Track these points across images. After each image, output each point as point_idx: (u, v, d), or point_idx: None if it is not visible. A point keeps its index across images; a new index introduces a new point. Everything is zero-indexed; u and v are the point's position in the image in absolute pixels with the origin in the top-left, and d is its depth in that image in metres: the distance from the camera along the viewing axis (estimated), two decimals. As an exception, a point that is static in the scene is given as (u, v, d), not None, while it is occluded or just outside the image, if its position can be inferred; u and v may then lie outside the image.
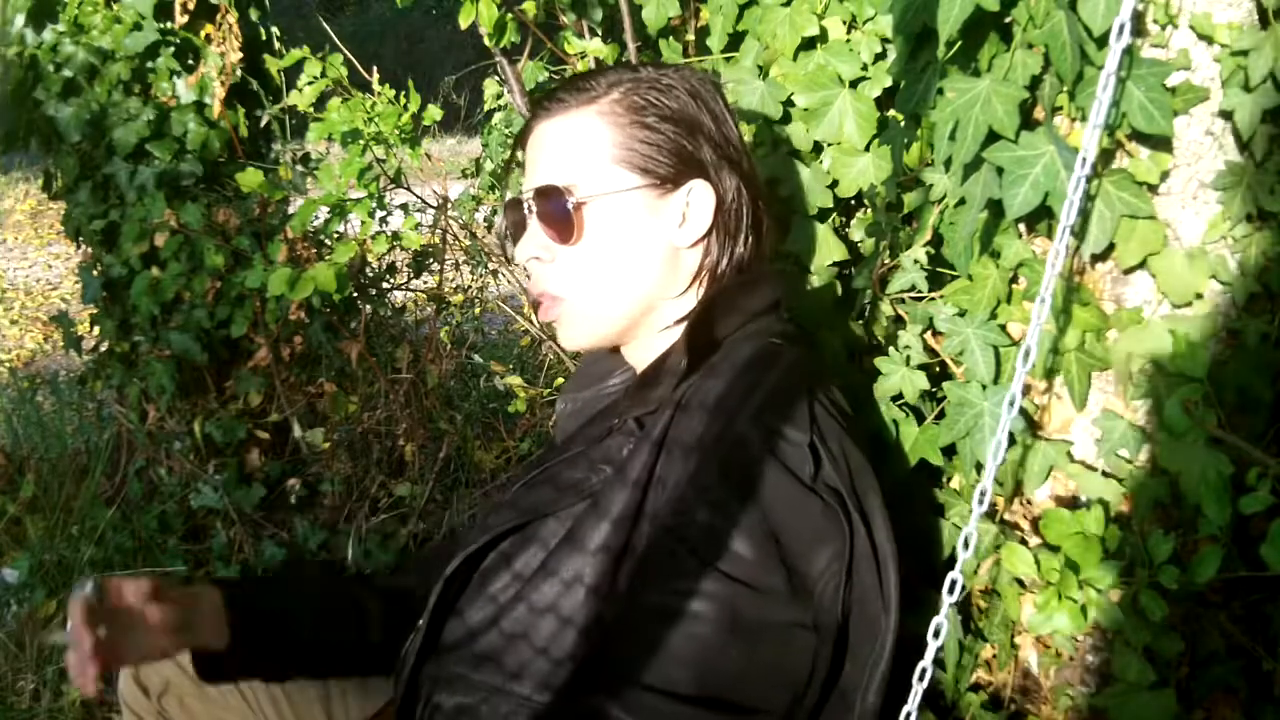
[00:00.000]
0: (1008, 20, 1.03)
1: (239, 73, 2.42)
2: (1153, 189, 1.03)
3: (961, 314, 1.16)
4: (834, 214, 1.35)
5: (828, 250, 1.34)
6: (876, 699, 0.91)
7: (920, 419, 1.24)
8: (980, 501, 0.87)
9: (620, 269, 1.03)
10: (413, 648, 1.04)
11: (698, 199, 1.02)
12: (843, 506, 0.91)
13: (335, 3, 13.22)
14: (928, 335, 1.23)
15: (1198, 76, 1.00)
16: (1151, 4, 0.99)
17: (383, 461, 2.60)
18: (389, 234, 2.28)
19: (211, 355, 2.49)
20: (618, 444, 1.01)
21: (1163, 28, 1.00)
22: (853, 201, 1.37)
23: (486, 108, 2.98)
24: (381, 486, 2.54)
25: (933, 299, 1.22)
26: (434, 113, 2.23)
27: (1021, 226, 1.12)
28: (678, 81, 1.03)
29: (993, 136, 1.00)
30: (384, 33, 12.25)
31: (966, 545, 0.87)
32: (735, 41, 1.44)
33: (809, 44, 1.32)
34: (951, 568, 0.87)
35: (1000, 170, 1.00)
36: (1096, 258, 1.06)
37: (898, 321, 1.30)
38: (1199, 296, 1.03)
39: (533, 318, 2.51)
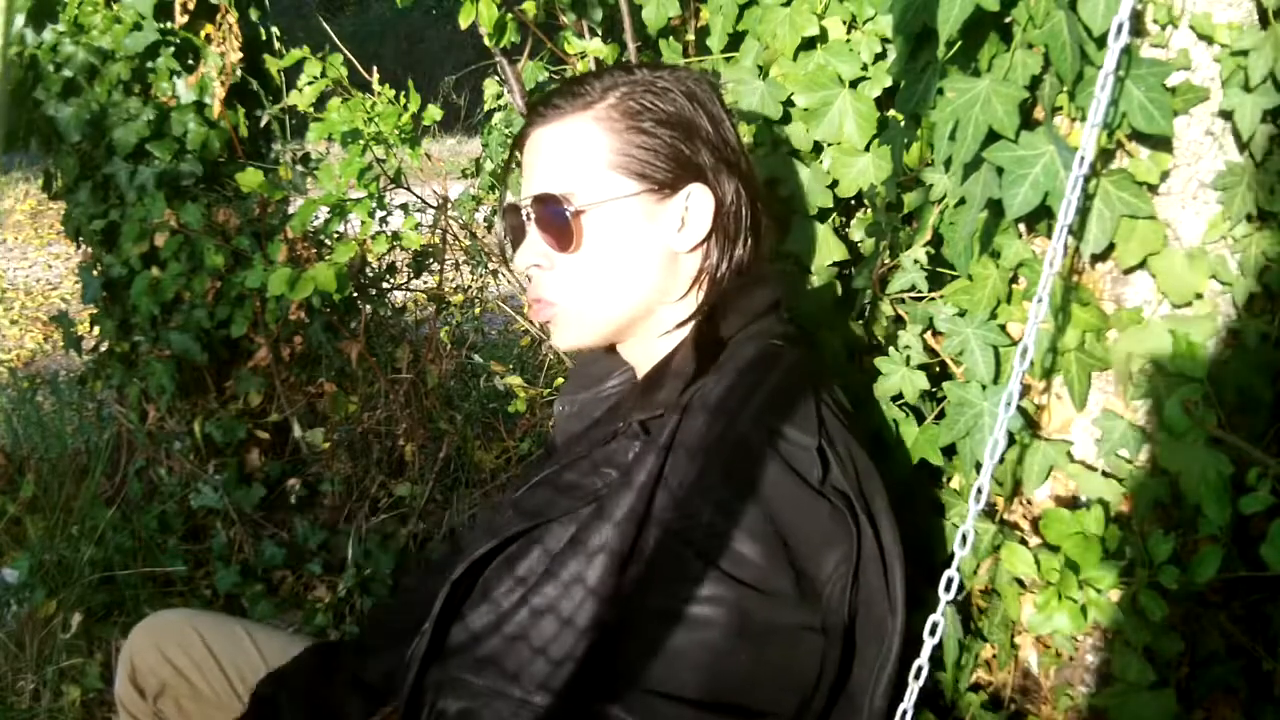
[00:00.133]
0: (1008, 20, 1.03)
1: (239, 73, 2.42)
2: (1153, 189, 1.03)
3: (961, 314, 1.16)
4: (834, 214, 1.35)
5: (828, 250, 1.34)
6: (884, 701, 0.91)
7: (920, 419, 1.24)
8: (977, 499, 0.87)
9: (619, 275, 1.02)
10: (417, 653, 1.04)
11: (696, 203, 1.02)
12: (850, 509, 0.91)
13: (335, 3, 13.22)
14: (928, 335, 1.23)
15: (1198, 76, 1.00)
16: (1151, 4, 0.99)
17: (383, 461, 2.60)
18: (389, 234, 2.28)
19: (211, 355, 2.49)
20: (623, 447, 1.00)
21: (1163, 27, 1.00)
22: (853, 201, 1.37)
23: (486, 108, 2.98)
24: (381, 486, 2.54)
25: (933, 299, 1.22)
26: (434, 113, 2.23)
27: (1021, 226, 1.12)
28: (674, 84, 1.02)
29: (993, 136, 1.00)
30: (384, 33, 12.25)
31: (964, 543, 0.87)
32: (735, 41, 1.44)
33: (809, 44, 1.32)
34: (948, 567, 0.87)
35: (1000, 170, 1.00)
36: (1096, 258, 1.06)
37: (898, 321, 1.29)
38: (1199, 296, 1.03)
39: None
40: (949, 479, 1.26)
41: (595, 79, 1.02)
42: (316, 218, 2.22)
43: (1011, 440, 1.13)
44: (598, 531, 0.95)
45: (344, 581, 2.24)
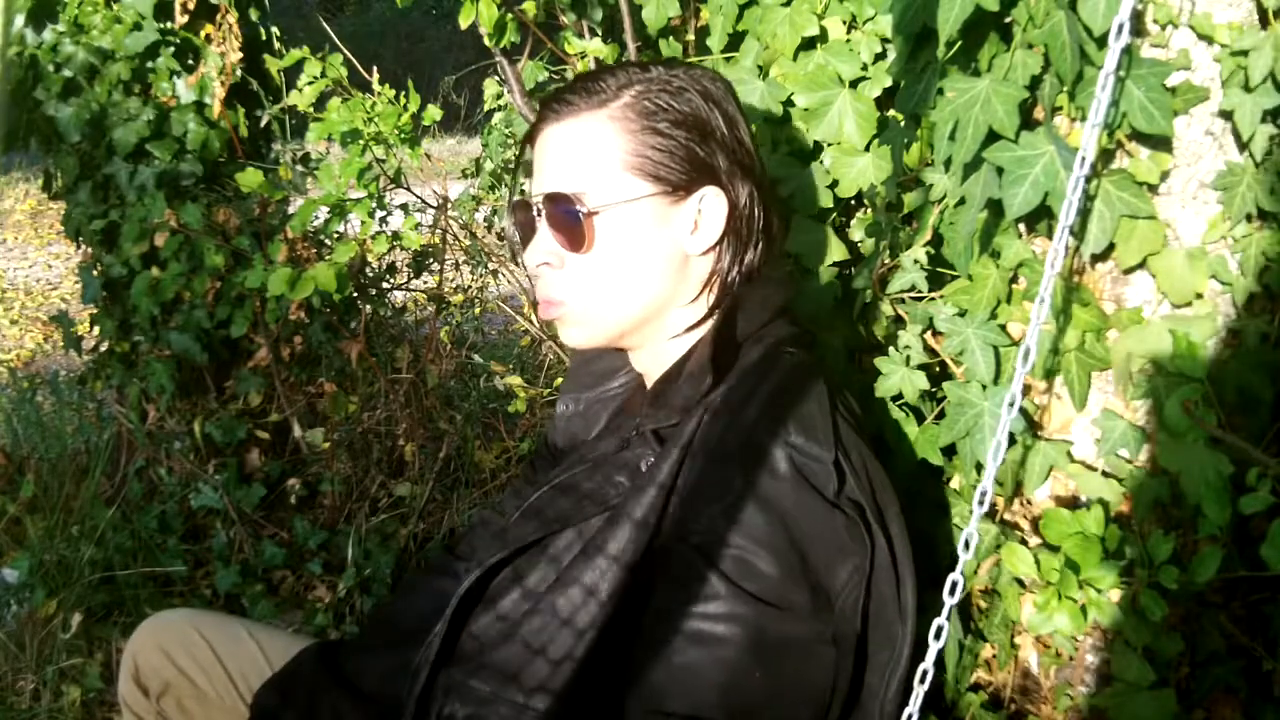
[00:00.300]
0: (1008, 20, 1.03)
1: (239, 73, 2.42)
2: (1153, 189, 1.03)
3: (961, 314, 1.16)
4: (834, 214, 1.35)
5: (828, 250, 1.34)
6: (893, 706, 0.91)
7: (920, 419, 1.24)
8: (981, 503, 0.87)
9: (629, 277, 1.01)
10: (426, 658, 1.04)
11: (710, 206, 1.01)
12: (864, 520, 0.91)
13: (335, 3, 13.22)
14: (928, 335, 1.23)
15: (1198, 76, 1.00)
16: (1151, 4, 0.99)
17: (383, 461, 2.60)
18: (389, 234, 2.28)
19: (211, 355, 2.49)
20: (635, 455, 0.99)
21: (1163, 28, 1.00)
22: (853, 201, 1.37)
23: (486, 108, 2.98)
24: (381, 486, 2.54)
25: (933, 299, 1.22)
26: (434, 113, 2.23)
27: (1021, 226, 1.12)
28: (689, 83, 1.01)
29: (993, 136, 1.00)
30: (384, 33, 12.25)
31: (967, 546, 0.87)
32: (735, 41, 1.44)
33: (809, 44, 1.32)
34: (952, 568, 0.87)
35: (1000, 170, 1.00)
36: (1096, 258, 1.06)
37: (898, 321, 1.29)
38: (1199, 296, 1.03)
39: (533, 318, 2.51)
40: (949, 479, 1.26)
41: (610, 76, 1.01)
42: (316, 218, 2.22)
43: (1012, 440, 1.13)
44: (612, 539, 0.95)
45: (344, 581, 2.24)
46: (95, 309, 2.57)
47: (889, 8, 1.16)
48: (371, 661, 1.19)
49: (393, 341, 2.76)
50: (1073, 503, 1.13)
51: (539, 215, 1.02)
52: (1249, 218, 1.01)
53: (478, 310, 3.18)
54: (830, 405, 0.96)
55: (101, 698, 1.97)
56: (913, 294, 1.24)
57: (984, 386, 1.13)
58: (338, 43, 2.28)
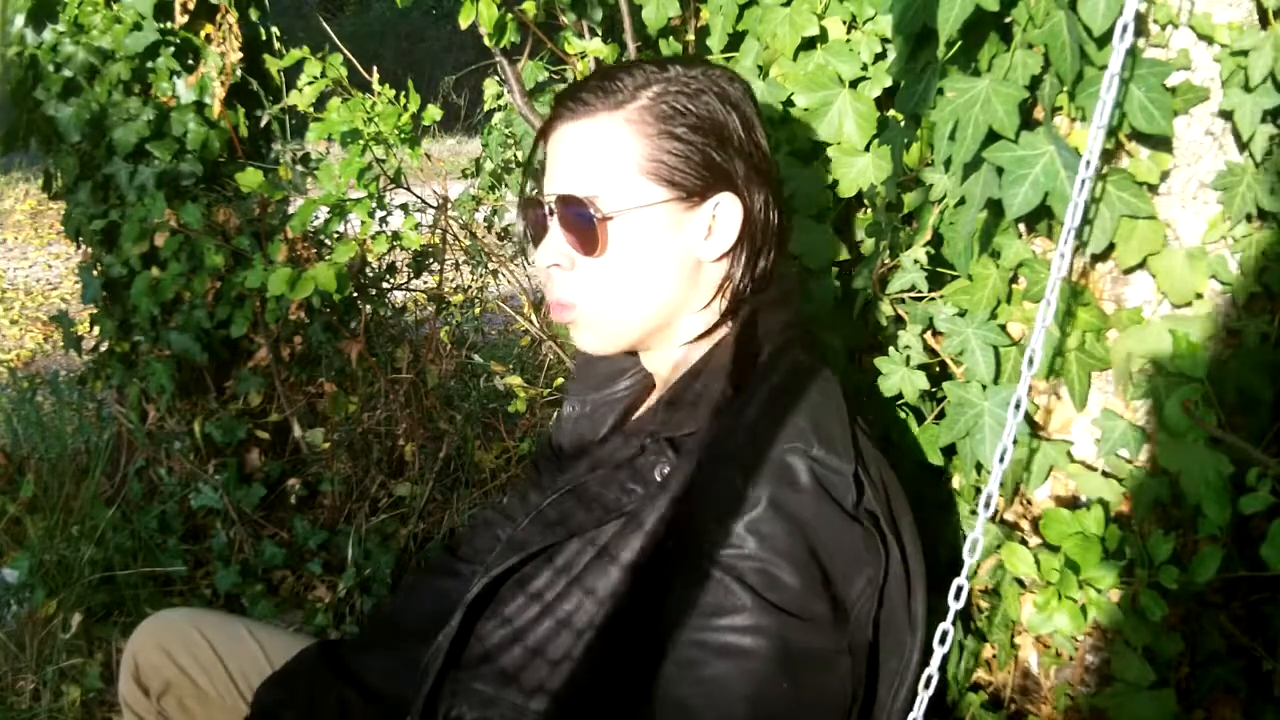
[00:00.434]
0: (1008, 20, 1.03)
1: (239, 73, 2.42)
2: (1153, 189, 1.03)
3: (961, 314, 1.16)
4: (834, 214, 1.35)
5: (828, 250, 1.34)
6: (900, 716, 0.92)
7: (920, 419, 1.24)
8: (986, 505, 0.87)
9: (641, 283, 1.00)
10: (434, 662, 1.04)
11: (725, 212, 0.99)
12: (879, 531, 0.91)
13: (335, 3, 13.22)
14: (928, 335, 1.23)
15: (1198, 76, 1.00)
16: (1151, 4, 0.99)
17: (383, 461, 2.60)
18: (389, 234, 2.28)
19: (211, 355, 2.49)
20: (649, 463, 0.98)
21: (1163, 28, 1.00)
22: (853, 201, 1.37)
23: (486, 108, 2.98)
24: (381, 486, 2.54)
25: (933, 299, 1.22)
26: (434, 113, 2.22)
27: (1021, 226, 1.12)
28: (707, 85, 0.99)
29: (993, 136, 1.00)
30: (384, 33, 12.25)
31: (972, 551, 0.87)
32: (735, 41, 1.44)
33: (809, 44, 1.32)
34: (951, 566, 0.87)
35: (1000, 170, 1.00)
36: (1096, 258, 1.07)
37: (898, 321, 1.30)
38: (1199, 296, 1.03)
39: (533, 318, 2.51)
40: (949, 479, 1.26)
41: (628, 75, 0.99)
42: (316, 218, 2.22)
43: (1014, 441, 1.13)
44: (625, 548, 0.94)
45: (344, 581, 2.24)
46: (95, 309, 2.57)
47: (889, 8, 1.16)
48: (373, 660, 1.19)
49: (393, 341, 2.76)
50: (1073, 503, 1.13)
51: (551, 215, 1.01)
52: (1249, 218, 1.01)
53: (478, 310, 3.18)
54: (849, 417, 0.96)
55: (101, 698, 1.97)
56: (913, 294, 1.24)
57: (984, 386, 1.13)
58: (338, 43, 2.28)
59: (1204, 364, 1.01)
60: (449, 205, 2.56)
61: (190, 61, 2.43)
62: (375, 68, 2.33)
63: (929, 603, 0.96)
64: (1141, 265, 1.04)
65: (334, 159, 2.35)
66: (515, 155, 3.01)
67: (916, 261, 1.22)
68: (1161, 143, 1.01)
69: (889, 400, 1.25)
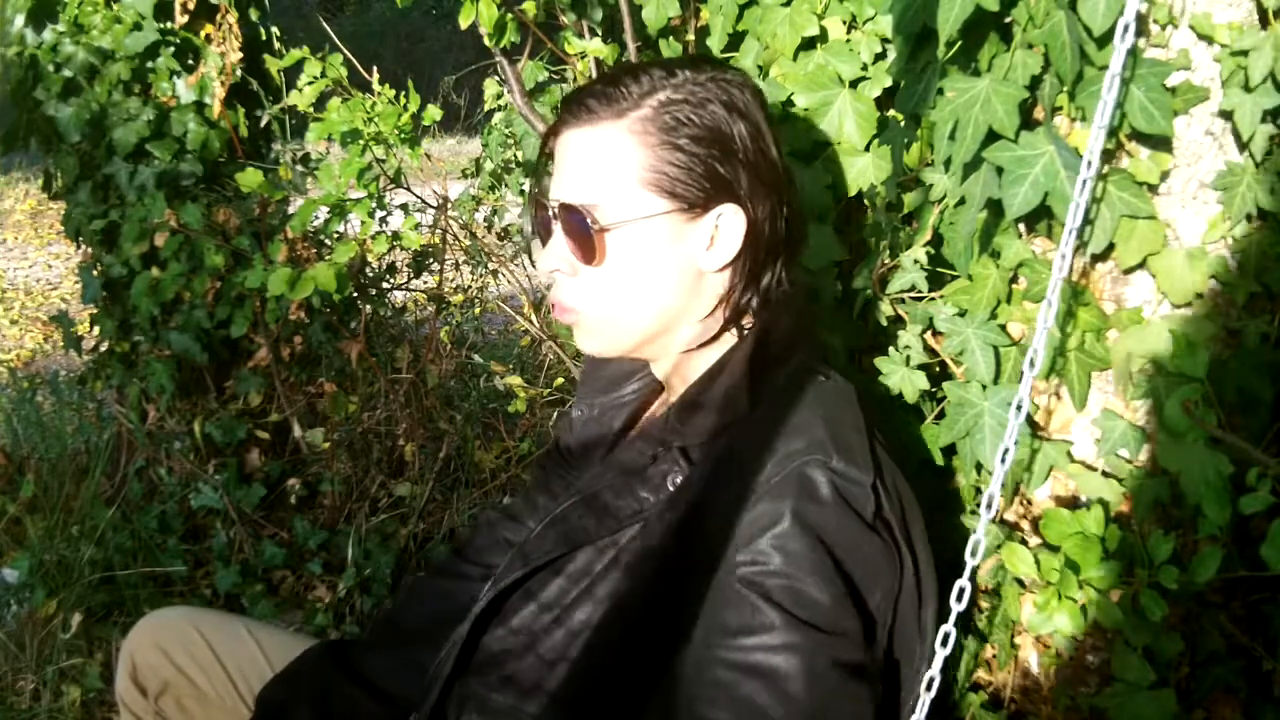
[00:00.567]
0: (1008, 20, 1.03)
1: (239, 73, 2.42)
2: (1153, 189, 1.03)
3: (961, 314, 1.16)
4: (834, 214, 1.35)
5: (828, 250, 1.34)
6: None
7: (920, 419, 1.24)
8: (988, 507, 0.87)
9: (641, 292, 1.00)
10: (442, 669, 1.05)
11: (727, 223, 0.98)
12: (894, 541, 0.91)
13: (335, 3, 13.22)
14: (928, 335, 1.23)
15: (1198, 76, 1.00)
16: (1151, 4, 0.99)
17: (383, 461, 2.60)
18: (389, 234, 2.28)
19: (211, 355, 2.49)
20: (661, 472, 0.98)
21: (1163, 28, 1.00)
22: (853, 201, 1.37)
23: (486, 108, 2.98)
24: (381, 486, 2.54)
25: (933, 299, 1.22)
26: (434, 113, 2.22)
27: (1021, 226, 1.12)
28: (714, 93, 0.97)
29: (993, 136, 1.00)
30: (384, 33, 12.24)
31: (974, 553, 0.87)
32: (735, 41, 1.44)
33: (809, 44, 1.32)
34: (952, 568, 0.87)
35: (1000, 170, 1.00)
36: (1096, 258, 1.06)
37: (898, 321, 1.29)
38: (1199, 296, 1.03)
39: (533, 318, 2.51)
40: (949, 479, 1.26)
41: (633, 81, 0.97)
42: (316, 218, 2.22)
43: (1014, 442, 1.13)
44: (639, 556, 0.95)
45: (344, 581, 2.24)
46: (95, 309, 2.57)
47: (889, 8, 1.16)
48: (379, 660, 1.19)
49: (393, 341, 2.76)
50: (1073, 503, 1.13)
51: (554, 218, 1.01)
52: (1249, 218, 1.01)
53: (478, 310, 3.18)
54: (867, 429, 0.95)
55: (101, 698, 1.97)
56: (913, 294, 1.24)
57: (984, 386, 1.13)
58: (338, 43, 2.28)
59: (1204, 364, 1.01)
60: (449, 205, 2.56)
61: (190, 61, 2.42)
62: (375, 68, 2.33)
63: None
64: (1141, 265, 1.04)
65: (334, 159, 2.35)
66: (515, 155, 3.00)
67: (916, 261, 1.22)
68: (1161, 143, 1.01)
69: (889, 400, 1.25)
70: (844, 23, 1.31)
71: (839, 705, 0.86)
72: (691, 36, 1.62)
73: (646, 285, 0.99)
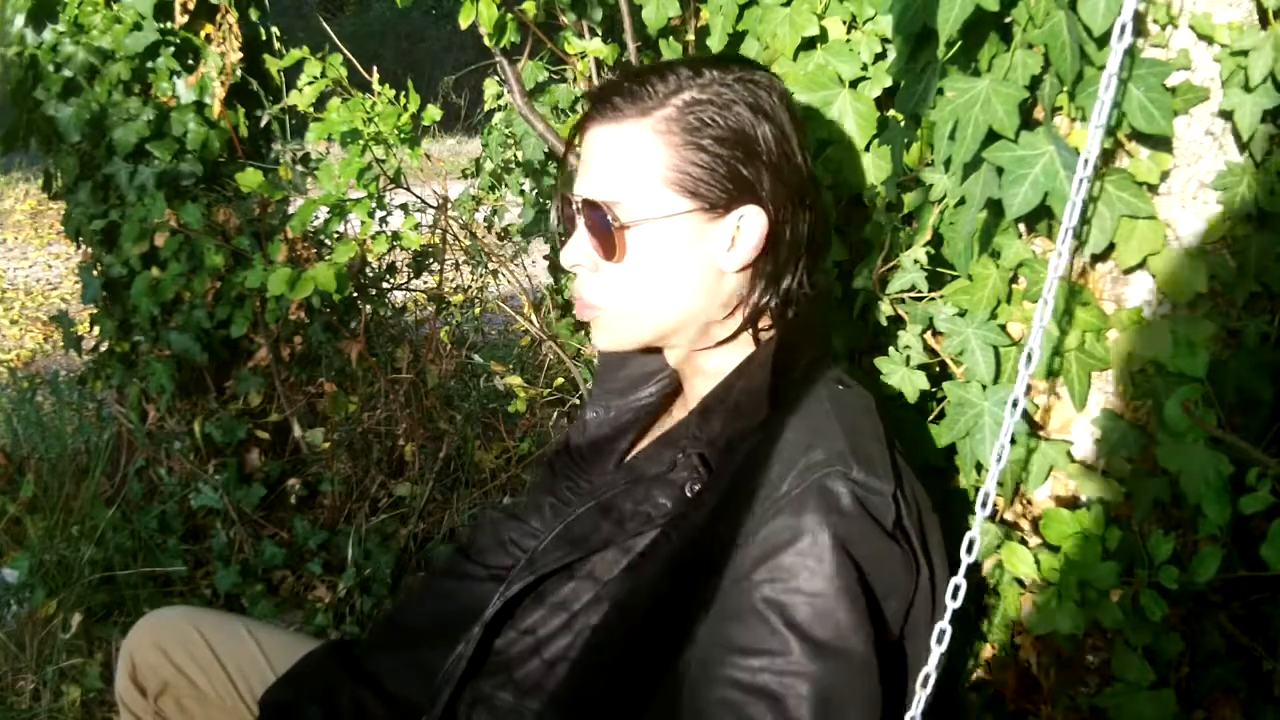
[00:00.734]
0: (1008, 20, 1.03)
1: (239, 73, 2.42)
2: (1153, 189, 1.03)
3: (961, 314, 1.16)
4: (834, 214, 1.35)
5: (828, 250, 1.34)
6: None
7: (920, 419, 1.24)
8: (984, 505, 0.87)
9: (660, 290, 1.00)
10: (454, 672, 1.05)
11: (748, 225, 0.98)
12: (913, 551, 0.91)
13: (335, 3, 13.22)
14: (928, 335, 1.23)
15: (1198, 76, 1.00)
16: (1152, 4, 0.99)
17: (383, 461, 2.60)
18: (389, 234, 2.28)
19: (211, 355, 2.49)
20: (680, 479, 0.98)
21: (1163, 28, 1.00)
22: (853, 201, 1.37)
23: (486, 108, 2.98)
24: (381, 486, 2.54)
25: (933, 299, 1.22)
26: (434, 113, 2.22)
27: (1021, 226, 1.12)
28: (740, 95, 0.97)
29: (993, 136, 1.00)
30: (384, 33, 12.24)
31: (970, 549, 0.87)
32: (735, 41, 1.44)
33: (809, 44, 1.32)
34: (953, 567, 0.87)
35: (1000, 170, 1.00)
36: (1096, 258, 1.06)
37: (898, 321, 1.29)
38: (1199, 296, 1.03)
39: (533, 318, 2.51)
40: (949, 479, 1.26)
41: (659, 80, 0.97)
42: (316, 218, 2.22)
43: (1012, 441, 1.13)
44: (654, 562, 0.95)
45: (344, 581, 2.24)
46: (95, 309, 2.57)
47: (889, 8, 1.16)
48: (383, 661, 1.19)
49: (393, 341, 2.76)
50: (1073, 503, 1.13)
51: (578, 212, 1.02)
52: (1249, 218, 1.01)
53: (478, 310, 3.18)
54: (887, 439, 0.95)
55: (101, 698, 1.97)
56: (913, 294, 1.24)
57: (984, 386, 1.13)
58: (338, 43, 2.28)
59: (1204, 364, 1.01)
60: (449, 205, 2.56)
61: (190, 61, 2.43)
62: (375, 68, 2.33)
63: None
64: (1141, 265, 1.04)
65: (334, 159, 2.35)
66: (515, 155, 3.01)
67: (916, 261, 1.22)
68: (1161, 143, 1.01)
69: (889, 400, 1.25)
70: (844, 23, 1.31)
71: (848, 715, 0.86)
72: (691, 36, 1.62)
73: (666, 283, 1.00)
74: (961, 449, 1.14)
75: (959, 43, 1.06)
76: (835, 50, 1.30)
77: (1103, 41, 0.95)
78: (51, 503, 2.40)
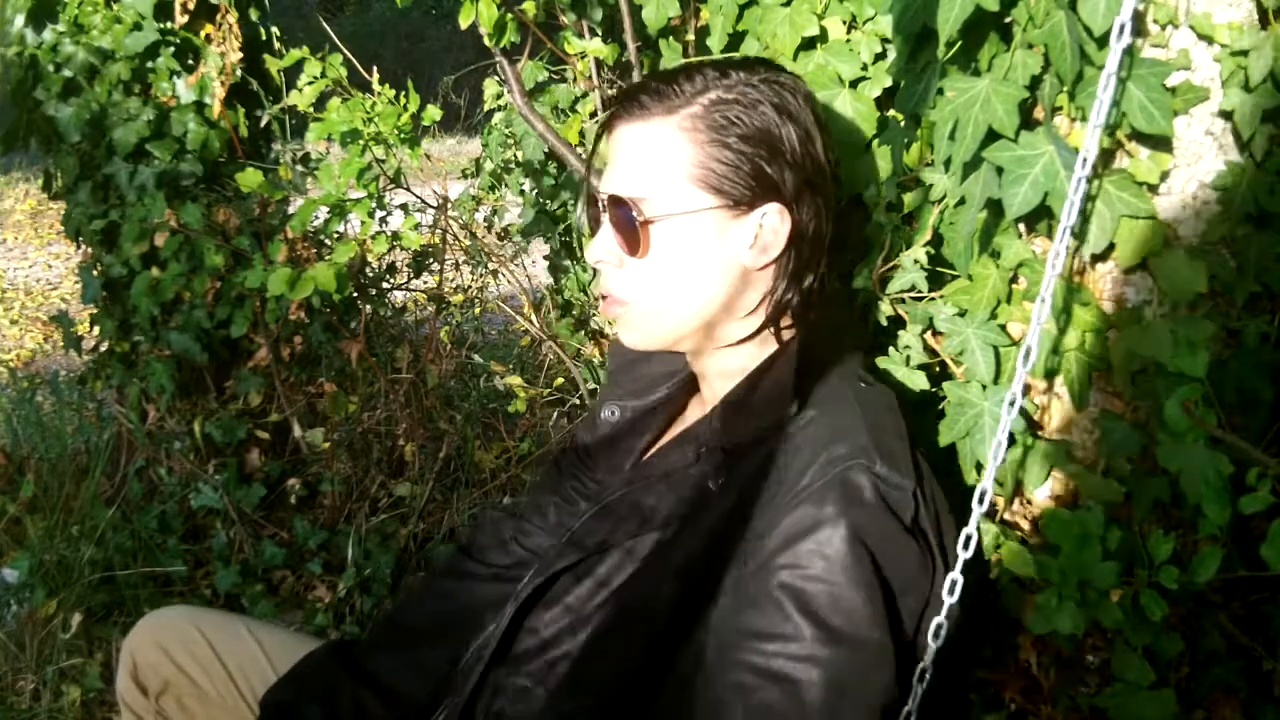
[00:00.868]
0: (1008, 20, 1.03)
1: (239, 73, 2.42)
2: (1153, 189, 1.03)
3: (961, 314, 1.16)
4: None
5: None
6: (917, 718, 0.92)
7: (920, 419, 1.24)
8: (980, 502, 0.87)
9: (684, 286, 1.01)
10: (476, 667, 1.06)
11: (771, 223, 1.00)
12: (929, 550, 0.92)
13: (335, 3, 13.22)
14: (928, 335, 1.23)
15: (1198, 76, 1.00)
16: (1152, 4, 0.99)
17: (383, 461, 2.60)
18: (389, 234, 2.28)
19: (211, 355, 2.49)
20: (703, 473, 0.99)
21: (1163, 28, 1.00)
22: (853, 201, 1.37)
23: (486, 108, 2.98)
24: (381, 486, 2.54)
25: (933, 299, 1.22)
26: (434, 113, 2.22)
27: (1021, 226, 1.12)
28: (766, 94, 0.99)
29: (993, 136, 1.00)
30: (384, 33, 12.24)
31: (966, 545, 0.87)
32: (735, 41, 1.44)
33: (809, 44, 1.32)
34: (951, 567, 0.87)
35: (1000, 170, 1.00)
36: (1096, 258, 1.06)
37: (898, 321, 1.29)
38: (1199, 296, 1.03)
39: (533, 318, 2.51)
40: (950, 479, 1.26)
41: (686, 80, 0.99)
42: (316, 218, 2.22)
43: (1012, 440, 1.13)
44: (673, 557, 0.95)
45: (344, 581, 2.24)
46: (95, 309, 2.57)
47: (889, 8, 1.16)
48: (384, 661, 1.20)
49: (393, 341, 2.76)
50: (1073, 503, 1.13)
51: (603, 210, 1.03)
52: (1249, 218, 1.01)
53: (478, 310, 3.18)
54: (909, 437, 0.96)
55: (101, 698, 1.97)
56: (913, 294, 1.24)
57: (984, 386, 1.13)
58: (338, 43, 2.28)
59: (1204, 364, 1.01)
60: (449, 205, 2.56)
61: (190, 61, 2.42)
62: (375, 68, 2.33)
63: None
64: (1141, 265, 1.04)
65: (334, 159, 2.35)
66: (515, 155, 3.00)
67: (916, 261, 1.22)
68: (1161, 143, 1.01)
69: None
70: (844, 23, 1.31)
71: (863, 715, 0.87)
72: (691, 36, 1.62)
73: (690, 278, 1.01)
74: (961, 449, 1.14)
75: (959, 43, 1.06)
76: (835, 50, 1.30)
77: (1103, 41, 0.95)
78: (51, 503, 2.40)
